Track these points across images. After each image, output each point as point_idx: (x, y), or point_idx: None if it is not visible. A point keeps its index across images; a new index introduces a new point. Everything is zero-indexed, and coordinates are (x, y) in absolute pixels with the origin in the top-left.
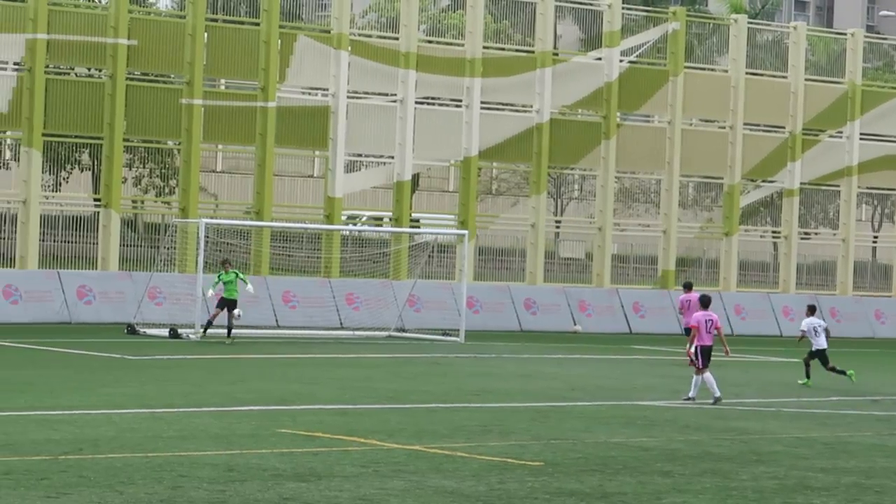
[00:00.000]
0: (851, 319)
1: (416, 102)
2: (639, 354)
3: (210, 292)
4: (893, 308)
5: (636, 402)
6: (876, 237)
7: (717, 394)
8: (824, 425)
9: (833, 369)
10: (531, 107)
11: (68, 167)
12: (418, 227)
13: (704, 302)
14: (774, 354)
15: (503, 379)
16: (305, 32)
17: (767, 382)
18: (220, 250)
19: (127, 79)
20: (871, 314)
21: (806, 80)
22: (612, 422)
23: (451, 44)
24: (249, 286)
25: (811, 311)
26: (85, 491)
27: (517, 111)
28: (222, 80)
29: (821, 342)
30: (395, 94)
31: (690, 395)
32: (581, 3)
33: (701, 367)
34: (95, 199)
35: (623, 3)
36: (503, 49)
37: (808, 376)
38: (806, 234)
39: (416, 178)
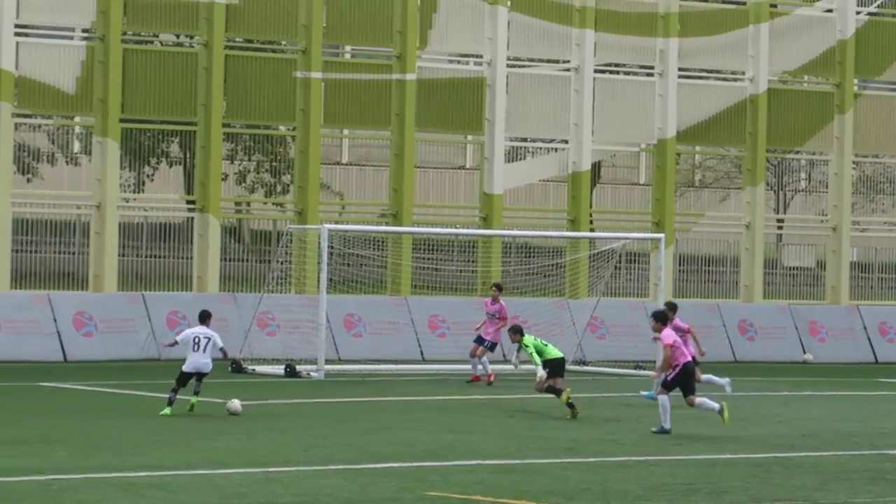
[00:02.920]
0: None
1: (596, 71)
2: (887, 389)
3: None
4: None
5: (885, 450)
6: None
7: None
8: None
9: None
10: (743, 74)
11: (153, 161)
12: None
13: None
14: None
15: (713, 423)
16: None
17: None
18: (349, 264)
19: (226, 48)
20: None
21: None
22: (854, 477)
23: None
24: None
25: None
26: None
27: (725, 80)
28: (347, 48)
29: None
30: (569, 61)
31: None
32: None
33: None
34: (188, 202)
35: None
36: (706, 1)
37: None
38: None
39: (596, 168)
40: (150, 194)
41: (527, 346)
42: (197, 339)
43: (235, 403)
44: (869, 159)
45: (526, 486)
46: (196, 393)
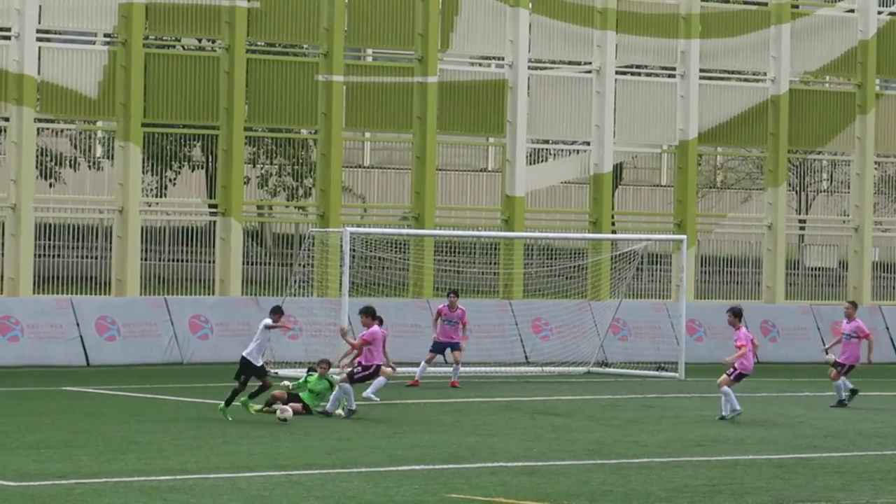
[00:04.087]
0: None
1: (617, 72)
2: None
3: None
4: None
5: None
6: None
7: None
8: None
9: None
10: (764, 75)
11: (175, 166)
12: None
13: None
14: None
15: (736, 425)
16: None
17: None
18: (371, 267)
19: (248, 51)
20: None
21: None
22: (878, 477)
23: None
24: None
25: None
26: None
27: (747, 81)
28: (369, 51)
29: None
30: (590, 63)
31: None
32: None
33: None
34: (211, 206)
35: None
36: (727, 2)
37: None
38: None
39: (618, 170)
40: (172, 198)
41: None
42: None
43: (288, 412)
44: (891, 159)
45: (548, 488)
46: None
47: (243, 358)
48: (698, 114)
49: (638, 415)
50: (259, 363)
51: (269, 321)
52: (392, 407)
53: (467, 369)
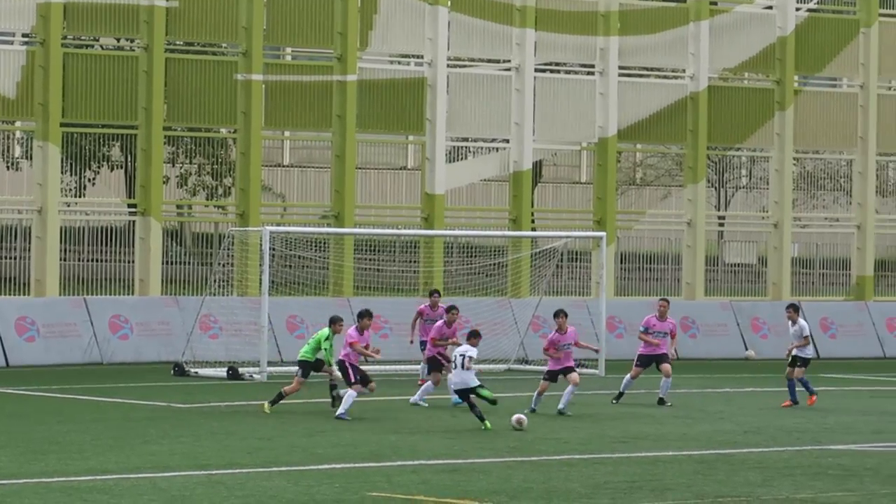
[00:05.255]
0: None
1: (537, 70)
2: (830, 385)
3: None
4: None
5: (827, 446)
6: None
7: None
8: None
9: None
10: (683, 72)
11: (94, 165)
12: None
13: None
14: None
15: (657, 421)
16: None
17: None
18: (291, 266)
19: (166, 51)
20: None
21: None
22: (798, 473)
23: None
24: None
25: None
26: None
27: (666, 78)
28: (288, 50)
29: None
30: (509, 61)
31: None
32: None
33: None
34: (130, 206)
35: None
36: None
37: None
38: None
39: (537, 167)
40: (91, 198)
41: None
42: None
43: (523, 420)
44: (809, 155)
45: (469, 486)
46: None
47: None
48: (617, 111)
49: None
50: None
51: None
52: (314, 406)
53: (386, 367)
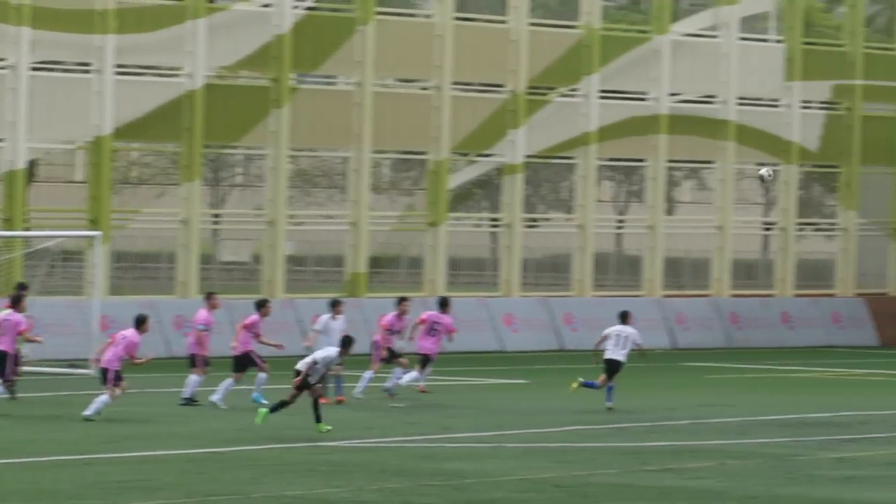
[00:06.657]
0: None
1: (32, 68)
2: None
3: None
4: (644, 309)
5: (318, 443)
6: (621, 222)
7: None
8: (559, 462)
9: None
10: (180, 70)
11: None
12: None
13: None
14: (495, 375)
15: (150, 420)
16: None
17: (486, 410)
18: None
19: None
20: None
21: (530, 24)
22: (288, 470)
23: None
24: None
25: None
26: None
27: (162, 76)
28: None
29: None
30: (5, 59)
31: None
32: None
33: None
34: None
35: None
36: None
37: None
38: (533, 221)
39: (32, 167)
40: None
41: None
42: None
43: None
44: (305, 153)
45: None
46: None
47: None
48: (114, 109)
49: (54, 412)
50: None
51: None
52: None
53: None
